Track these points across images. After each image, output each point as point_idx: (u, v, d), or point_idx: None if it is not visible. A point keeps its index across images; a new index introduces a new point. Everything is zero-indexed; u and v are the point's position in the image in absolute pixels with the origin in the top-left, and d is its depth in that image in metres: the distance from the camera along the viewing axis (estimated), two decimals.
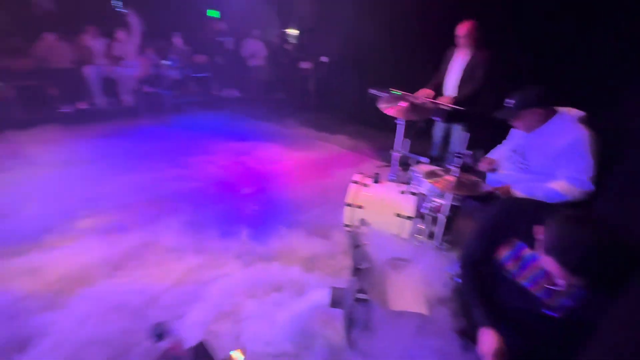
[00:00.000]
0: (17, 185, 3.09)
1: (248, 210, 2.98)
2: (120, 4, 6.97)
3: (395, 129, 2.82)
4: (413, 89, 3.14)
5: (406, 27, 4.70)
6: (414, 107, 2.69)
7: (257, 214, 2.91)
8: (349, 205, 2.51)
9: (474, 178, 2.01)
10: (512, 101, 1.81)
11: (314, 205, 3.07)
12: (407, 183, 2.65)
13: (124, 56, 5.62)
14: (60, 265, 2.15)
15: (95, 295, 1.94)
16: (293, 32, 8.69)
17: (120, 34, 5.58)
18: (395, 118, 2.84)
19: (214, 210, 2.93)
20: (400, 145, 2.83)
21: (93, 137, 4.49)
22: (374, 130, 5.32)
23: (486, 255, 1.11)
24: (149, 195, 3.13)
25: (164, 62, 6.02)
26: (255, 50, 6.86)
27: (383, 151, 4.49)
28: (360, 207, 2.49)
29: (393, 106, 2.59)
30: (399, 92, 2.95)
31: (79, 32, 5.30)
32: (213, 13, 7.89)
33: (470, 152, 1.97)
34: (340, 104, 6.04)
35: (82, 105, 5.18)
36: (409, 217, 2.39)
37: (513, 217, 1.10)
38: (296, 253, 2.42)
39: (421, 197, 2.38)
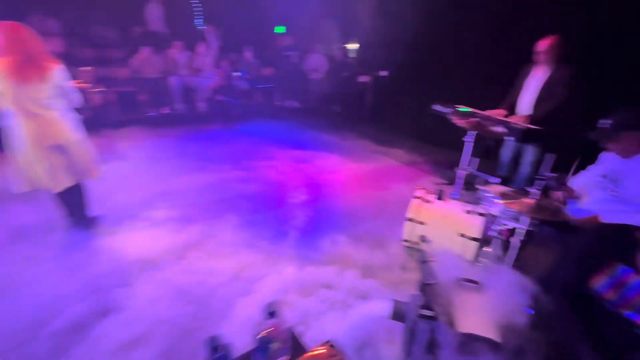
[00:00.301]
0: (110, 176, 3.51)
1: (304, 215, 3.06)
2: (201, 22, 7.83)
3: (457, 146, 2.73)
4: (480, 106, 3.02)
5: (475, 41, 4.55)
6: (486, 124, 2.59)
7: (313, 220, 2.98)
8: (410, 220, 2.48)
9: (555, 202, 1.87)
10: (609, 122, 1.66)
11: (370, 216, 3.08)
12: (473, 202, 2.54)
13: (202, 68, 6.25)
14: (136, 248, 2.43)
15: (162, 278, 2.15)
16: (353, 46, 8.88)
17: (200, 48, 6.23)
18: (464, 135, 2.76)
19: (271, 213, 3.09)
20: (467, 163, 2.73)
21: (171, 138, 5.05)
22: (432, 147, 5.18)
23: (580, 283, 1.03)
24: (214, 193, 3.39)
25: (235, 73, 6.59)
26: (317, 64, 7.15)
27: (441, 168, 4.36)
28: (421, 223, 2.44)
29: (465, 120, 2.52)
30: (466, 109, 2.87)
31: (168, 47, 6.08)
32: (280, 29, 8.42)
33: (555, 175, 1.84)
34: (398, 118, 6.00)
35: (165, 110, 5.85)
36: (474, 239, 2.28)
37: (612, 242, 1.01)
38: (351, 261, 2.43)
39: (490, 219, 2.26)
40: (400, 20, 5.69)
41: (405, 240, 2.54)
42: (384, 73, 6.54)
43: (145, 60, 5.67)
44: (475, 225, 2.31)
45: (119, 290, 2.05)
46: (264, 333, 0.84)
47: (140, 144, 4.72)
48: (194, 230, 2.70)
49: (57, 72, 2.26)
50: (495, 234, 2.19)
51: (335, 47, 7.83)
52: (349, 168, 4.31)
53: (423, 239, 2.27)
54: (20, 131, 2.21)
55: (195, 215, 2.94)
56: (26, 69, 2.13)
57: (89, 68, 4.84)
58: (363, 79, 6.88)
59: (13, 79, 2.11)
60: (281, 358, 0.89)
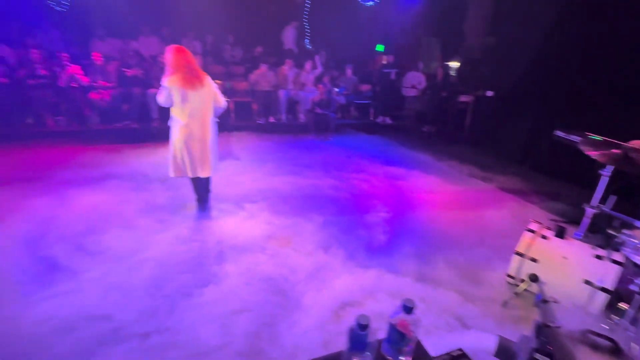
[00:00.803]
0: (225, 172, 3.99)
1: (396, 229, 3.03)
2: (307, 41, 8.58)
3: (580, 179, 2.38)
4: (617, 136, 2.57)
5: (612, 61, 3.90)
6: (629, 157, 2.20)
7: (406, 236, 2.93)
8: (520, 254, 2.26)
9: None
10: None
11: (468, 243, 2.88)
12: (604, 247, 2.18)
13: (307, 83, 6.82)
14: (235, 234, 2.80)
15: (250, 263, 2.41)
16: (455, 64, 8.51)
17: (307, 66, 6.81)
18: (589, 167, 2.40)
19: (360, 220, 3.15)
20: (600, 200, 2.36)
21: (275, 143, 5.58)
22: (544, 176, 4.59)
23: None
24: (305, 196, 3.60)
25: (335, 89, 6.99)
26: (415, 82, 7.07)
27: (556, 201, 3.83)
28: (533, 260, 2.20)
29: (603, 152, 2.20)
30: (599, 138, 2.48)
31: (280, 64, 6.83)
32: (380, 47, 8.62)
33: None
34: (503, 141, 5.48)
35: (271, 119, 6.55)
36: (604, 289, 1.95)
37: None
38: (447, 283, 2.31)
39: (630, 270, 1.91)
40: (517, 36, 5.25)
41: (510, 276, 2.32)
42: (489, 93, 6.08)
43: (262, 75, 6.47)
44: (607, 274, 1.98)
45: (217, 267, 2.35)
46: (398, 326, 0.87)
47: (249, 146, 5.35)
48: (284, 225, 2.95)
49: (209, 80, 2.84)
50: (637, 289, 1.83)
51: (436, 65, 7.63)
52: (446, 190, 4.11)
53: (534, 278, 2.04)
54: (181, 128, 2.77)
55: (283, 213, 3.18)
56: (191, 79, 2.72)
57: (219, 81, 5.77)
58: (464, 98, 6.52)
59: (185, 88, 2.70)
60: (406, 357, 0.92)
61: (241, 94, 6.70)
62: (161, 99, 2.78)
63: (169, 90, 2.72)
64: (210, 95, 2.84)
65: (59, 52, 5.43)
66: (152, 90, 5.41)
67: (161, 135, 3.75)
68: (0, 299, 1.98)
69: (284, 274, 2.34)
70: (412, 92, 7.08)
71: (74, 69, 5.25)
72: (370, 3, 5.71)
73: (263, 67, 6.45)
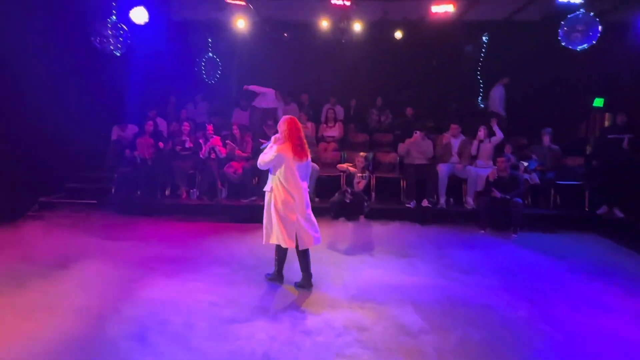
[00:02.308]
0: (346, 264, 4.59)
1: None
2: (479, 100, 8.88)
3: None
4: None
5: None
6: None
7: None
8: None
9: None
10: None
11: None
12: None
13: (479, 155, 6.74)
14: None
15: None
16: None
17: (480, 132, 6.78)
18: None
19: None
20: None
21: (426, 236, 5.58)
22: None
23: None
24: (456, 311, 3.45)
25: (522, 162, 6.62)
26: None
27: None
28: None
29: None
30: None
31: (442, 130, 7.14)
32: (599, 102, 7.99)
33: None
34: None
35: (425, 203, 6.55)
36: None
37: None
38: None
39: None
40: None
41: None
42: None
43: (415, 145, 6.77)
44: None
45: None
46: None
47: (389, 237, 5.54)
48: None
49: (308, 155, 3.79)
50: None
51: None
52: None
53: None
54: (280, 198, 3.63)
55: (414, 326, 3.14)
56: (300, 151, 3.65)
57: (363, 154, 6.50)
58: None
59: (294, 158, 3.61)
60: None
61: (386, 168, 7.18)
62: (266, 159, 3.66)
63: (279, 157, 3.60)
64: (309, 168, 3.88)
65: (205, 123, 7.43)
66: None
67: None
68: None
69: None
70: None
71: (215, 141, 6.87)
72: (584, 46, 5.58)
73: (417, 135, 6.82)
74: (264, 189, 3.85)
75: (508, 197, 5.85)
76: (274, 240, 3.74)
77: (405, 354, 2.83)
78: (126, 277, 4.00)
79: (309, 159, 3.83)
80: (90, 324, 3.10)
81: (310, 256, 3.92)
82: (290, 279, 4.02)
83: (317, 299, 3.71)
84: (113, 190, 6.83)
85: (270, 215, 3.74)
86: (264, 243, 3.91)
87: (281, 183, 3.66)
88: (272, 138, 3.82)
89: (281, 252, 3.89)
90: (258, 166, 3.85)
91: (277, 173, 3.67)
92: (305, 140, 3.76)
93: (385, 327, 3.16)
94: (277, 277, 3.99)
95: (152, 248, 4.95)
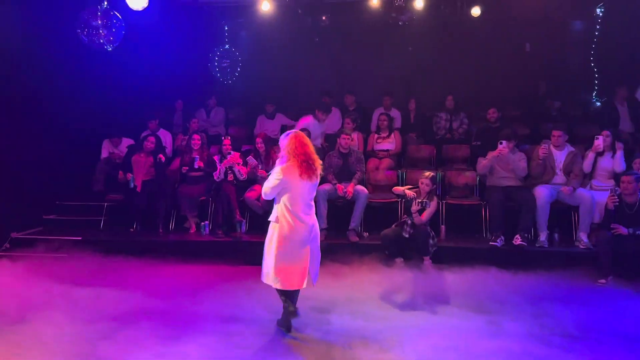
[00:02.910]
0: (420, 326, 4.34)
1: None
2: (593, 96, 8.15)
3: None
4: None
5: None
6: None
7: None
8: None
9: None
10: None
11: None
12: None
13: (595, 173, 6.32)
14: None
15: None
16: None
17: (599, 141, 6.16)
18: None
19: None
20: None
21: (520, 286, 5.32)
22: None
23: None
24: None
25: None
26: None
27: None
28: None
29: None
30: None
31: (541, 138, 6.53)
32: None
33: None
34: None
35: (518, 241, 5.92)
36: None
37: None
38: None
39: None
40: None
41: None
42: None
43: (502, 160, 6.21)
44: None
45: None
46: None
47: (465, 285, 5.38)
48: None
49: (318, 174, 3.89)
50: None
51: None
52: None
53: None
54: (305, 228, 3.84)
55: None
56: (307, 169, 3.79)
57: (428, 173, 5.99)
58: None
59: (301, 177, 3.76)
60: None
61: (461, 191, 6.82)
62: (269, 184, 3.81)
63: (284, 180, 3.75)
64: (315, 190, 4.04)
65: (220, 135, 7.17)
66: (323, 187, 6.32)
67: (328, 253, 5.03)
68: None
69: None
70: None
71: (233, 158, 6.54)
72: None
73: (504, 146, 6.23)
74: (269, 219, 4.00)
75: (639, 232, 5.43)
76: (275, 284, 3.90)
77: None
78: (90, 336, 4.02)
79: (316, 178, 3.95)
80: None
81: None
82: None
83: None
84: (102, 224, 6.82)
85: (270, 249, 3.92)
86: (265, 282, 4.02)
87: (287, 208, 3.83)
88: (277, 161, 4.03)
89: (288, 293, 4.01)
90: (263, 196, 4.06)
91: (283, 199, 3.85)
92: (315, 157, 3.91)
93: None
94: (285, 319, 4.08)
95: (141, 299, 4.96)
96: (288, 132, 3.99)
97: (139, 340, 3.92)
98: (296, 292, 4.09)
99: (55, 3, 6.42)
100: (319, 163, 3.94)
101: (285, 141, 3.88)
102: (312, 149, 3.92)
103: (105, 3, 5.97)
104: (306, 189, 3.86)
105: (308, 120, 7.63)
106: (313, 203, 4.03)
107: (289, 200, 3.80)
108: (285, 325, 4.05)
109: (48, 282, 5.23)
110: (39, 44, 6.36)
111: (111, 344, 3.85)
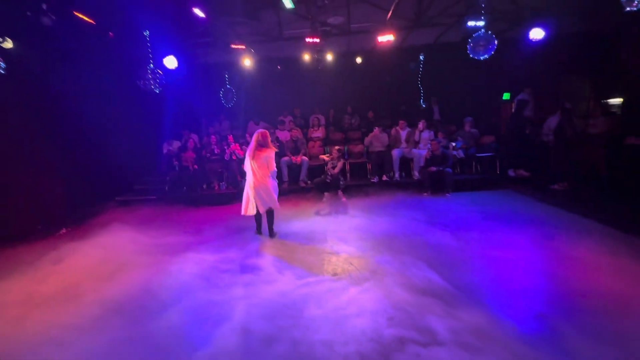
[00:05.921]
0: (339, 224, 4.66)
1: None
2: (421, 101, 8.70)
3: None
4: None
5: None
6: None
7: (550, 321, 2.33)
8: None
9: None
10: None
11: None
12: None
13: (420, 140, 6.75)
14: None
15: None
16: (616, 101, 6.83)
17: (421, 124, 6.82)
18: None
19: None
20: None
21: (386, 202, 5.57)
22: None
23: None
24: (415, 251, 3.52)
25: (451, 143, 6.64)
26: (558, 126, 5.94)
27: None
28: None
29: None
30: None
31: (393, 125, 7.12)
32: (506, 96, 7.85)
33: None
34: None
35: (385, 178, 6.64)
36: None
37: None
38: None
39: None
40: None
41: None
42: None
43: (375, 137, 6.84)
44: None
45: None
46: None
47: (363, 203, 5.60)
48: (386, 277, 3.03)
49: (268, 154, 4.03)
50: None
51: (587, 105, 6.29)
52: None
53: None
54: (250, 181, 4.02)
55: (389, 264, 3.28)
56: (256, 152, 3.99)
57: (337, 147, 6.39)
58: (631, 140, 5.01)
59: (251, 157, 3.99)
60: None
61: (357, 155, 7.24)
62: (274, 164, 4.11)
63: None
64: (265, 162, 4.02)
65: (227, 135, 7.37)
66: (284, 158, 6.64)
67: (289, 194, 5.44)
68: None
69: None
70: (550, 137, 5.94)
71: (235, 147, 6.94)
72: (485, 57, 5.44)
73: (376, 130, 6.85)
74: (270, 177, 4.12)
75: (441, 168, 5.89)
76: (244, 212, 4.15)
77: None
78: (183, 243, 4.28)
79: (262, 158, 4.01)
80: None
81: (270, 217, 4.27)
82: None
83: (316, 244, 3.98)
84: (167, 189, 6.88)
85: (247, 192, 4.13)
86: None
87: (248, 172, 4.06)
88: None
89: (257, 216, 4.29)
90: (275, 172, 4.18)
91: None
92: (264, 146, 4.04)
93: (350, 252, 3.62)
94: (271, 232, 4.30)
95: (185, 225, 5.12)
96: (260, 130, 4.15)
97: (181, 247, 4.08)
98: (259, 218, 4.28)
99: (123, 66, 6.26)
100: (265, 150, 4.05)
101: (266, 137, 4.08)
102: (267, 141, 4.07)
103: (151, 64, 5.90)
104: (254, 162, 4.00)
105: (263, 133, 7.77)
106: (263, 169, 4.04)
107: (249, 169, 4.06)
108: (258, 231, 4.37)
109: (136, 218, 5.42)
110: (118, 90, 6.21)
111: (167, 251, 3.94)
